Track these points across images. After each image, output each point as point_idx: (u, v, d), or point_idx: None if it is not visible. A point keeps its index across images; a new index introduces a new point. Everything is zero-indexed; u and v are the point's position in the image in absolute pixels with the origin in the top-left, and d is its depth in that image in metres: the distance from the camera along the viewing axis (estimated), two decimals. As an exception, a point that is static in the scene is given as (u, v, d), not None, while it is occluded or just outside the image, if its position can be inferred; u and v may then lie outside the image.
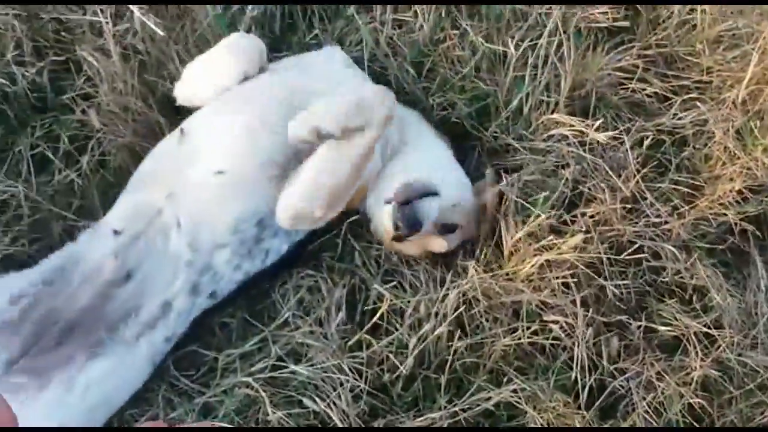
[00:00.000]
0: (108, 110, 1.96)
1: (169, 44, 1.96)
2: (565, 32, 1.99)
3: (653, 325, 1.80)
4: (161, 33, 1.88)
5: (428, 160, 1.86)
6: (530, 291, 1.73)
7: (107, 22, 1.89)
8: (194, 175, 1.65)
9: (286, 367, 1.68)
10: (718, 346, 1.81)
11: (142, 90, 1.98)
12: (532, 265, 1.75)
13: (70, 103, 2.02)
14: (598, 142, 1.91)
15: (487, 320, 1.78)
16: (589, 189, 1.83)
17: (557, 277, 1.75)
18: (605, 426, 1.68)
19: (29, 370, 1.47)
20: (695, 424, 1.73)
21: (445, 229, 1.79)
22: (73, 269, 1.59)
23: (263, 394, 1.64)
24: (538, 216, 1.73)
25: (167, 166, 1.70)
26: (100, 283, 1.56)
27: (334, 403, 1.60)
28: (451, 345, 1.73)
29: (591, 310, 1.78)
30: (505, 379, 1.74)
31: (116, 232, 1.62)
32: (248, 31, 2.00)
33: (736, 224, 1.96)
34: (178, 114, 2.04)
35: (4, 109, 2.03)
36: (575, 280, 1.77)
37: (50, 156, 2.00)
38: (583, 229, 1.75)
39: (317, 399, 1.61)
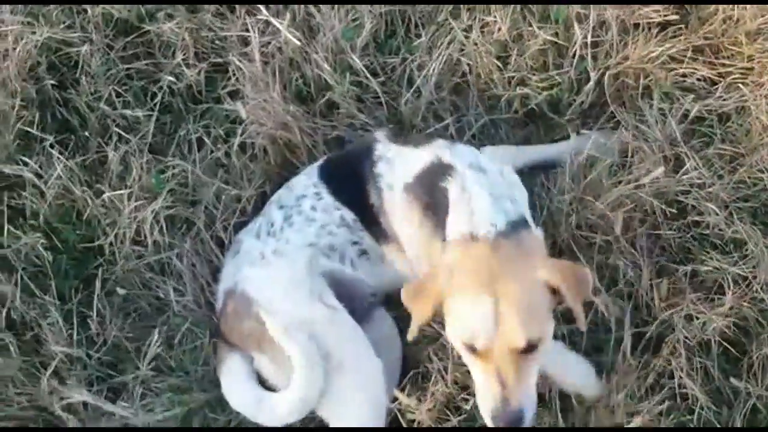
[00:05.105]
0: (251, 103, 2.45)
1: (304, 50, 2.47)
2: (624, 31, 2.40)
3: (698, 267, 2.13)
4: (298, 43, 2.39)
5: None
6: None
7: (255, 37, 2.42)
8: None
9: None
10: (754, 289, 2.09)
11: (278, 87, 2.46)
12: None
13: (222, 98, 2.54)
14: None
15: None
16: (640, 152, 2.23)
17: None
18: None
19: None
20: (730, 348, 2.07)
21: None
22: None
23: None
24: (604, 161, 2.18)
25: None
26: None
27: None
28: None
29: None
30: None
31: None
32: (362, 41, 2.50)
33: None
34: (306, 106, 2.56)
35: (173, 101, 2.56)
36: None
37: (205, 139, 2.52)
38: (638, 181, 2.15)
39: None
